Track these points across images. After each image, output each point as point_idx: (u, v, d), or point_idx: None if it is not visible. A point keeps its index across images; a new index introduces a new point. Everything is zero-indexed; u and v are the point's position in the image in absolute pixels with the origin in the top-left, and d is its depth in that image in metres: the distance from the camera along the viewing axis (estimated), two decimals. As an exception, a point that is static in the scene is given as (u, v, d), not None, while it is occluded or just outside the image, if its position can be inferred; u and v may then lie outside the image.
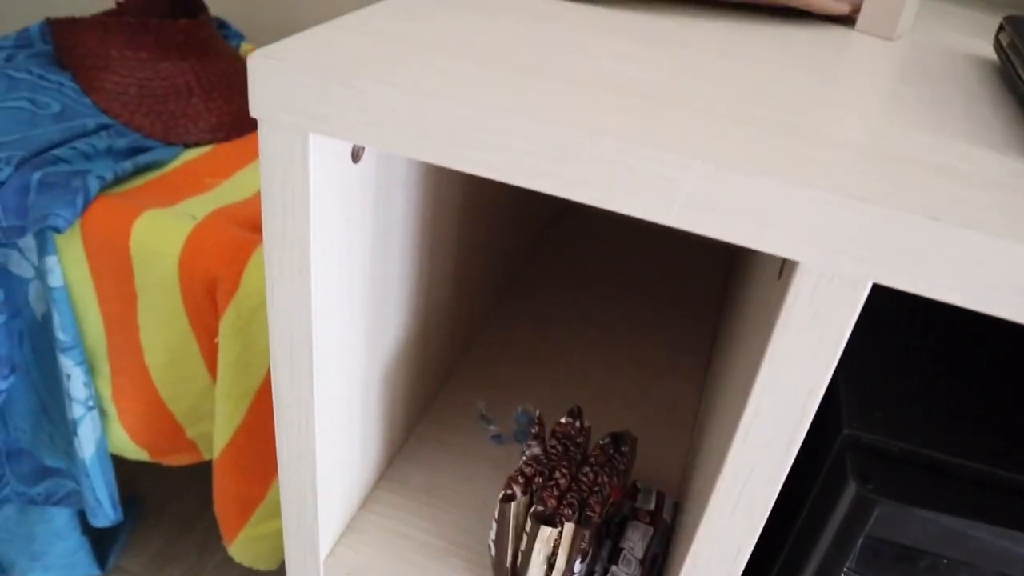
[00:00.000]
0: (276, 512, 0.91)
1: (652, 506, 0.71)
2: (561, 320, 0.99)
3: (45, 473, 1.07)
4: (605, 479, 0.63)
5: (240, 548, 0.93)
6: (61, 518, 1.15)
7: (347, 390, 0.60)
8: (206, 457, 1.00)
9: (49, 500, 1.09)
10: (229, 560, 1.28)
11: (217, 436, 0.87)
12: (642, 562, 0.65)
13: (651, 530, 0.69)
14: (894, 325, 0.62)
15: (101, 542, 1.23)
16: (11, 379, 0.95)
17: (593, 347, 0.95)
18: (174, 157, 1.02)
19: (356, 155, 0.51)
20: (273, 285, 0.51)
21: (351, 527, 0.69)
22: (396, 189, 0.59)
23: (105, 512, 0.99)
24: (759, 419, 0.46)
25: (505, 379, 0.88)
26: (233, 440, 0.86)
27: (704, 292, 1.09)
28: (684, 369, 0.94)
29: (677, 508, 0.71)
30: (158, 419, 0.93)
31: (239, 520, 0.90)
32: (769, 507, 0.49)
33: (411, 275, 0.68)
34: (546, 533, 0.59)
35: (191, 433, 0.96)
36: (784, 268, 0.46)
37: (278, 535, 0.93)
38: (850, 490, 0.50)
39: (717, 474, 0.49)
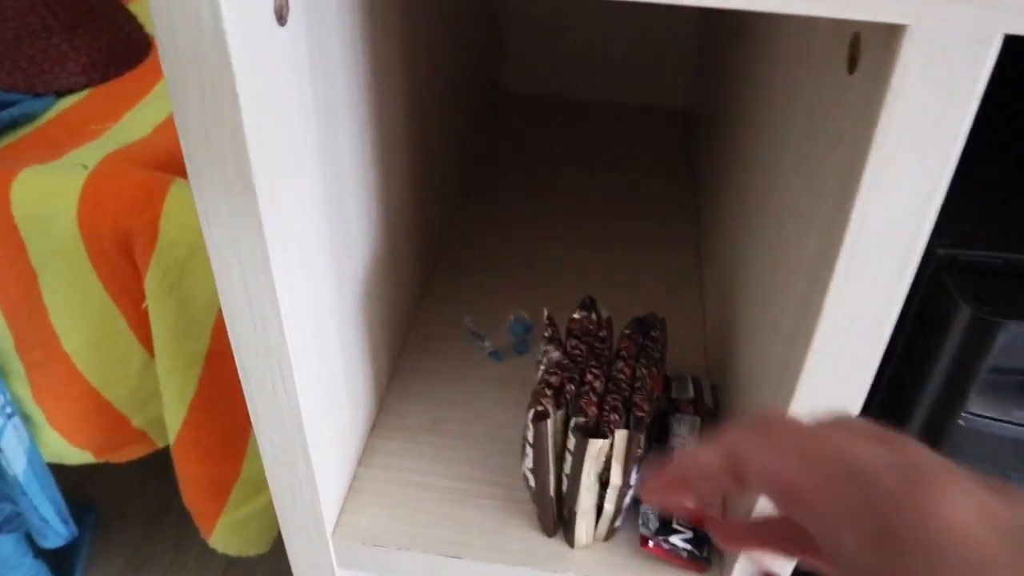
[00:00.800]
0: (257, 487, 0.80)
1: (691, 394, 0.62)
2: (526, 215, 0.88)
3: (-23, 499, 0.93)
4: (644, 371, 0.54)
5: (222, 537, 0.82)
6: (7, 545, 1.01)
7: (320, 326, 0.49)
8: (160, 445, 0.88)
9: (-12, 529, 0.95)
10: (209, 551, 1.17)
11: (169, 417, 0.74)
12: None
13: (697, 419, 0.60)
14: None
15: (61, 561, 1.10)
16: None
17: (567, 235, 0.85)
18: (47, 109, 0.86)
19: (281, 13, 0.38)
20: (208, 214, 0.39)
21: (354, 488, 0.59)
22: (334, 58, 0.47)
23: (55, 531, 0.86)
24: (859, 252, 0.37)
25: (485, 288, 0.78)
26: (189, 418, 0.74)
27: (666, 157, 0.99)
28: (673, 239, 0.85)
29: (716, 390, 0.63)
30: (95, 412, 0.80)
31: (215, 506, 0.79)
32: (878, 358, 0.40)
33: (367, 172, 0.56)
34: (595, 447, 0.49)
35: (138, 421, 0.83)
36: (859, 52, 0.36)
37: (265, 512, 0.82)
38: (963, 315, 0.41)
39: (804, 336, 0.40)
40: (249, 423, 0.77)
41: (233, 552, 0.85)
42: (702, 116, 0.96)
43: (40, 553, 1.06)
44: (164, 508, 1.23)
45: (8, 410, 0.80)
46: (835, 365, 0.40)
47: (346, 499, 0.58)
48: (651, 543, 0.54)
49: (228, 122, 0.35)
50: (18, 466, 0.81)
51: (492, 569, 0.54)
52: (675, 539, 0.54)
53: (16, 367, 0.79)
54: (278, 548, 1.16)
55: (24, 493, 0.83)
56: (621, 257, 0.82)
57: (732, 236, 0.66)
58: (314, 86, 0.44)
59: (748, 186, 0.61)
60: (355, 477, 0.59)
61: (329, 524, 0.55)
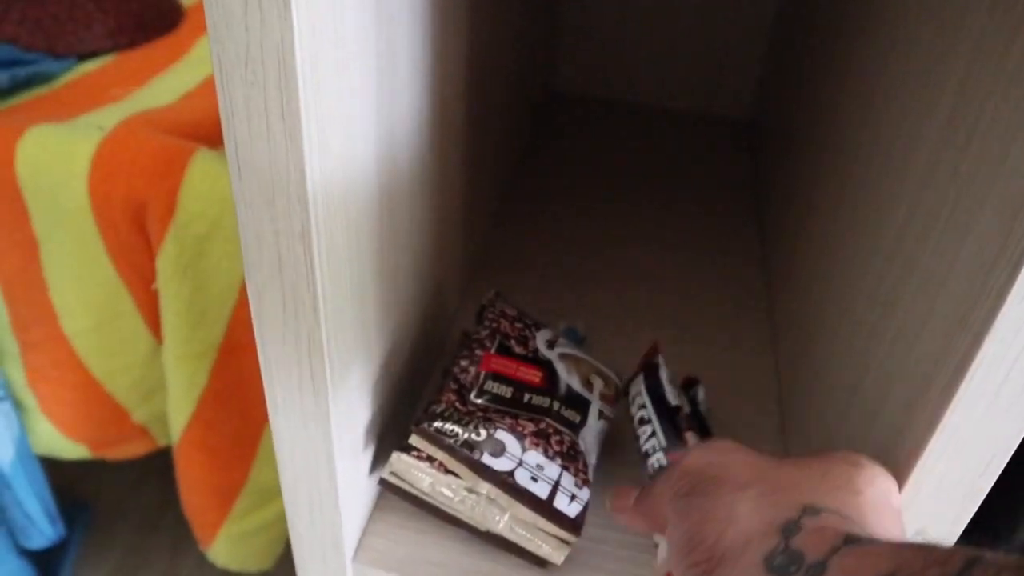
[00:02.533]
0: (265, 498, 0.72)
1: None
2: (574, 218, 0.80)
3: (-40, 491, 0.86)
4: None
5: (223, 549, 0.75)
6: (-8, 540, 0.94)
7: (358, 318, 0.41)
8: (161, 443, 0.81)
9: (-28, 523, 0.88)
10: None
11: (174, 413, 0.67)
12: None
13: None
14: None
15: (47, 562, 1.03)
16: None
17: (618, 243, 0.77)
18: (65, 71, 0.79)
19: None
20: (241, 165, 0.32)
21: (379, 507, 0.51)
22: (398, 32, 0.40)
23: (40, 530, 0.79)
24: None
25: (528, 289, 0.70)
26: (196, 415, 0.66)
27: (726, 168, 0.92)
28: (734, 253, 0.77)
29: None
30: (94, 403, 0.73)
31: (217, 515, 0.71)
32: None
33: (422, 156, 0.49)
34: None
35: (138, 416, 0.76)
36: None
37: (272, 526, 0.75)
38: None
39: (964, 355, 0.32)
40: (261, 426, 0.69)
41: (234, 567, 0.77)
42: (769, 127, 0.88)
43: (26, 552, 0.99)
44: (162, 509, 1.16)
45: (1, 393, 0.73)
46: (995, 393, 0.33)
47: (370, 519, 0.50)
48: None
49: (274, 31, 0.28)
50: (5, 456, 0.74)
51: (537, 613, 0.46)
52: None
53: (10, 347, 0.72)
54: (282, 567, 1.09)
55: (8, 487, 0.75)
56: (675, 267, 0.74)
57: (813, 257, 0.58)
58: (378, 60, 0.37)
59: (837, 202, 0.53)
60: (381, 495, 0.52)
61: (349, 547, 0.47)
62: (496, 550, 0.48)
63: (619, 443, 0.54)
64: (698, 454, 0.38)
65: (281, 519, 0.75)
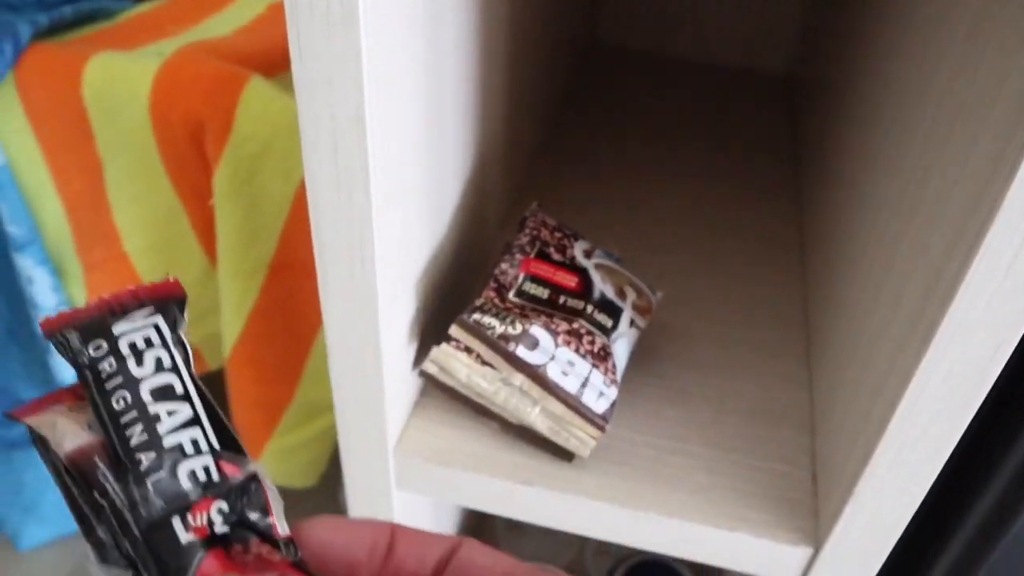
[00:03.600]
0: (311, 413, 0.76)
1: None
2: (611, 169, 0.82)
3: (23, 409, 0.91)
4: None
5: (269, 464, 0.79)
6: (50, 461, 1.00)
7: (408, 210, 0.44)
8: (212, 366, 0.85)
9: (28, 442, 0.93)
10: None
11: (226, 329, 0.71)
12: None
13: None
14: None
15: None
16: (-38, 294, 0.79)
17: (654, 194, 0.79)
18: (123, 9, 0.83)
19: None
20: (300, 30, 0.35)
21: (420, 404, 0.54)
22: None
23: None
24: None
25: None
26: (246, 331, 0.70)
27: (763, 123, 0.93)
28: (769, 209, 0.78)
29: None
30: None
31: (265, 430, 0.76)
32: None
33: (467, 82, 0.52)
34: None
35: (192, 337, 0.80)
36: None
37: (317, 441, 0.79)
38: None
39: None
40: (309, 343, 0.73)
41: (280, 482, 0.81)
42: (809, 82, 0.89)
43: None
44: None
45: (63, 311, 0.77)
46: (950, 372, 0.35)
47: (411, 414, 0.54)
48: None
49: None
50: (68, 372, 0.79)
51: (564, 499, 0.49)
52: None
53: (74, 267, 0.76)
54: (325, 487, 1.13)
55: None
56: (710, 207, 0.76)
57: (849, 203, 0.59)
58: None
59: (878, 153, 0.55)
60: (421, 393, 0.55)
61: (392, 438, 0.51)
62: (527, 444, 0.51)
63: (648, 354, 0.57)
64: None
65: (327, 435, 0.79)
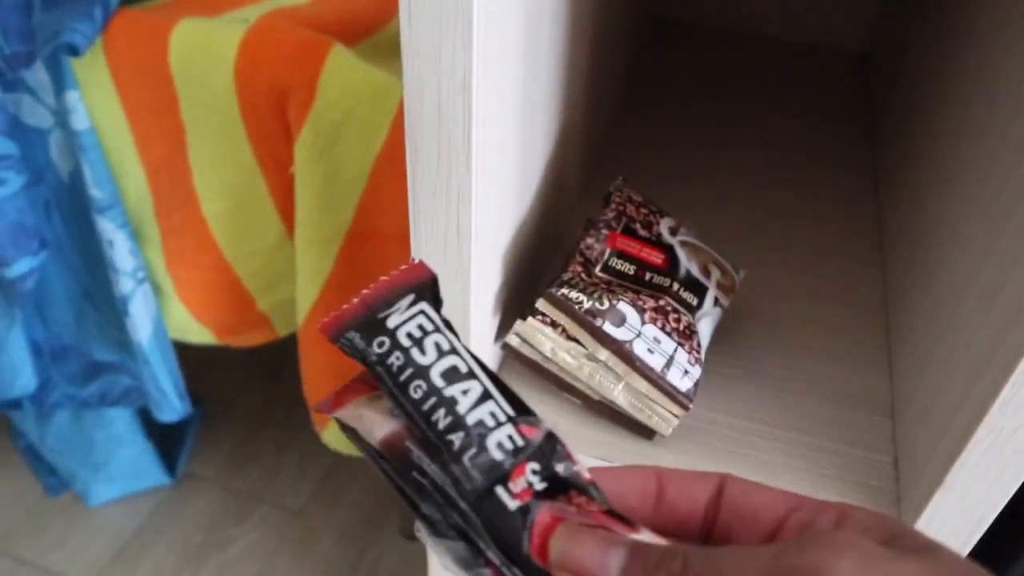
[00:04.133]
0: (378, 383, 0.77)
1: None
2: (680, 143, 0.81)
3: (97, 370, 0.94)
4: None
5: (336, 432, 0.80)
6: (121, 422, 1.03)
7: (504, 183, 0.44)
8: (281, 333, 0.86)
9: (104, 401, 0.96)
10: (309, 455, 1.17)
11: (301, 297, 0.72)
12: None
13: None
14: None
15: (167, 448, 1.11)
16: (43, 255, 0.81)
17: (724, 172, 0.78)
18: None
19: None
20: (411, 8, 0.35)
21: (502, 375, 0.54)
22: None
23: (171, 404, 0.86)
24: None
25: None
26: (320, 299, 0.71)
27: (837, 102, 0.91)
28: (843, 189, 0.77)
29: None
30: (224, 288, 0.79)
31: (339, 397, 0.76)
32: None
33: (555, 62, 0.51)
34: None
35: (263, 304, 0.81)
36: None
37: (382, 411, 0.79)
38: None
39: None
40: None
41: (344, 450, 0.83)
42: (885, 60, 0.87)
43: (151, 435, 1.07)
44: (267, 412, 1.23)
45: (140, 275, 0.79)
46: None
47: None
48: None
49: None
50: (144, 333, 0.81)
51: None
52: None
53: (152, 232, 0.78)
54: None
55: (146, 362, 0.82)
56: (786, 199, 0.75)
57: (926, 179, 0.58)
58: None
59: (957, 130, 0.53)
60: (501, 366, 0.55)
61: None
62: (607, 421, 0.51)
63: (727, 334, 0.57)
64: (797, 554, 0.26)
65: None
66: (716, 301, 0.52)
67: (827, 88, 0.93)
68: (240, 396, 1.26)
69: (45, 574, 1.04)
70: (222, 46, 0.64)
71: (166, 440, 1.13)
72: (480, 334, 0.49)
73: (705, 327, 0.51)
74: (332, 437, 0.82)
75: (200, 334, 0.85)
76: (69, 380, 0.97)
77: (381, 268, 0.72)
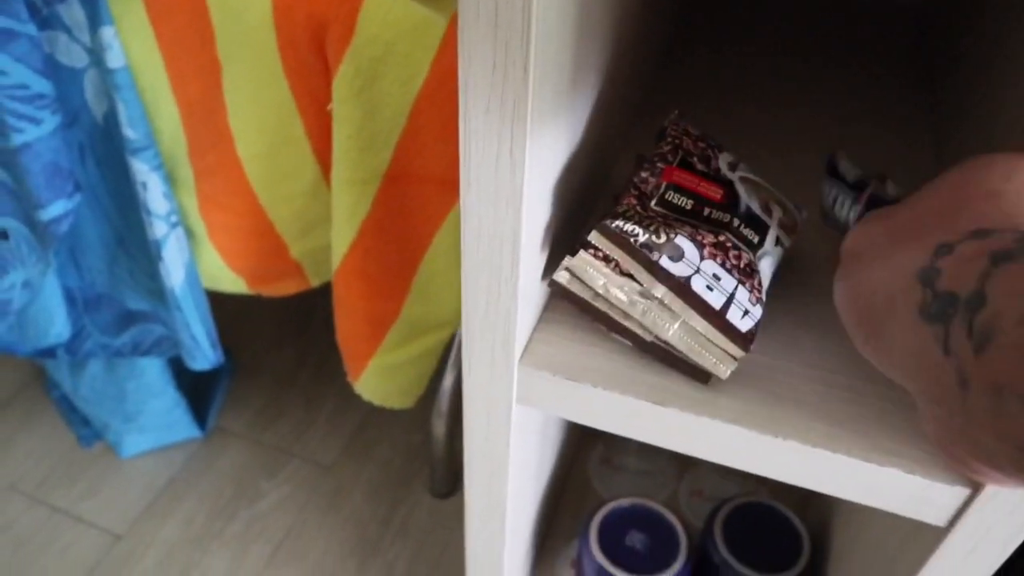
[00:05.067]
0: (415, 332, 0.75)
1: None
2: (736, 94, 0.77)
3: (129, 319, 0.93)
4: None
5: (370, 381, 0.78)
6: (153, 371, 1.02)
7: (556, 82, 0.41)
8: (313, 283, 0.84)
9: (137, 350, 0.95)
10: (341, 410, 1.16)
11: (337, 239, 0.70)
12: None
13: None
14: None
15: (197, 403, 1.10)
16: (77, 198, 0.79)
17: (782, 124, 0.74)
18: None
19: None
20: None
21: (545, 319, 0.52)
22: None
23: (204, 353, 0.84)
24: None
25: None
26: (356, 242, 0.69)
27: (895, 54, 0.86)
28: (905, 141, 0.73)
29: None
30: (257, 233, 0.77)
31: (369, 345, 0.75)
32: None
33: None
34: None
35: (296, 251, 0.79)
36: None
37: (419, 361, 0.78)
38: None
39: None
40: (417, 259, 0.72)
41: (378, 400, 0.81)
42: (945, 14, 0.83)
43: (182, 387, 1.06)
44: (297, 367, 1.22)
45: (173, 219, 0.77)
46: None
47: (535, 328, 0.51)
48: None
49: None
50: (176, 278, 0.79)
51: (699, 422, 0.46)
52: None
53: (185, 174, 0.76)
54: (418, 413, 1.13)
55: (179, 308, 0.81)
56: (842, 144, 0.71)
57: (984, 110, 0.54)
58: None
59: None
60: (546, 308, 0.53)
61: (518, 348, 0.48)
62: (660, 363, 0.48)
63: (794, 273, 0.54)
64: (849, 236, 0.39)
65: (428, 356, 0.78)
66: (778, 240, 0.49)
67: (886, 42, 0.89)
68: (270, 352, 1.24)
69: (78, 522, 1.03)
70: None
71: (196, 395, 1.12)
72: (528, 271, 0.46)
73: (766, 266, 0.48)
74: (368, 386, 0.80)
75: (232, 282, 0.84)
76: (102, 329, 0.96)
77: (420, 211, 0.70)
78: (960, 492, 0.44)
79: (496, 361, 0.49)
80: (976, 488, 0.43)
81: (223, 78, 0.68)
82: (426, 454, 1.09)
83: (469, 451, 0.55)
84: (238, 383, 1.19)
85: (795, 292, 0.54)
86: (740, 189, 0.50)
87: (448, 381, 0.93)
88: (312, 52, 0.63)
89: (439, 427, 0.96)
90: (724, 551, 0.69)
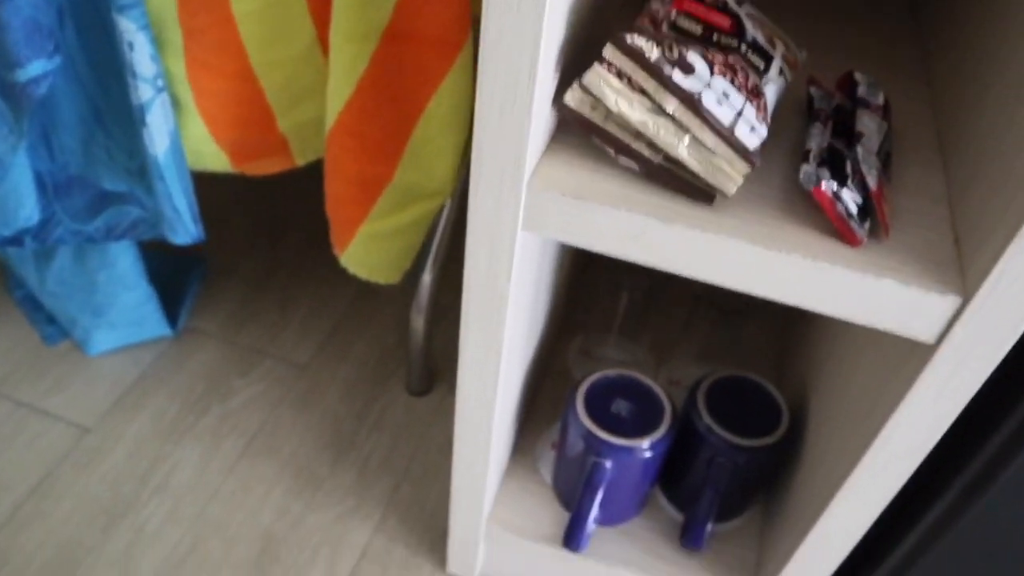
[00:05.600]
0: (406, 200, 0.75)
1: (881, 102, 0.55)
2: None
3: (104, 201, 0.91)
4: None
5: (358, 251, 0.79)
6: (125, 261, 1.00)
7: None
8: (298, 161, 0.84)
9: (111, 234, 0.94)
10: (315, 312, 1.16)
11: (332, 98, 0.70)
12: (878, 154, 0.50)
13: (885, 125, 0.53)
14: None
15: (169, 301, 1.09)
16: (57, 60, 0.77)
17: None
18: None
19: None
20: None
21: (553, 145, 0.53)
22: None
23: (185, 226, 0.84)
24: None
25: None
26: (352, 100, 0.69)
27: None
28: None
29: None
30: (246, 100, 0.76)
31: (359, 210, 0.75)
32: None
33: None
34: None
35: (284, 124, 0.79)
36: None
37: (407, 232, 0.78)
38: None
39: None
40: (413, 122, 0.72)
41: (364, 273, 0.81)
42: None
43: (154, 281, 1.05)
44: (271, 272, 1.22)
45: (160, 83, 0.76)
46: None
47: (543, 154, 0.52)
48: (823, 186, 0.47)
49: None
50: (160, 146, 0.79)
51: (704, 239, 0.48)
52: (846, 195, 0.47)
53: (174, 36, 0.75)
54: (392, 316, 1.13)
55: (162, 178, 0.80)
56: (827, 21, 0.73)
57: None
58: None
59: None
60: (553, 138, 0.54)
61: (528, 169, 0.49)
62: (665, 187, 0.50)
63: (790, 114, 0.55)
64: None
65: (417, 226, 0.78)
66: (781, 71, 0.51)
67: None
68: (244, 256, 1.23)
69: (44, 416, 1.02)
70: None
71: (168, 294, 1.10)
72: (541, 95, 0.47)
73: (771, 92, 0.50)
74: (354, 257, 0.80)
75: (216, 157, 0.83)
76: (74, 216, 0.94)
77: (417, 73, 0.70)
78: (953, 302, 0.46)
79: (504, 181, 0.50)
80: (967, 298, 0.46)
81: (219, -73, 0.67)
82: (402, 353, 1.10)
83: (468, 287, 0.56)
84: (211, 285, 1.18)
85: (784, 133, 0.56)
86: (747, 22, 0.51)
87: (428, 277, 0.93)
88: None
89: (417, 322, 0.97)
90: (707, 417, 0.72)
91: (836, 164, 0.49)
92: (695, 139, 0.47)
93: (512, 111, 0.46)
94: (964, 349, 0.47)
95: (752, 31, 0.51)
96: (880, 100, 0.55)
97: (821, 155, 0.50)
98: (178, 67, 0.76)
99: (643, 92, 0.47)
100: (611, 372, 0.75)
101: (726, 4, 0.52)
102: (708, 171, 0.47)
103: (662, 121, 0.47)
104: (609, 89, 0.47)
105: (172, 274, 1.15)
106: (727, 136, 0.46)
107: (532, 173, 0.51)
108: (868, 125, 0.52)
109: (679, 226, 0.48)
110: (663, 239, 0.49)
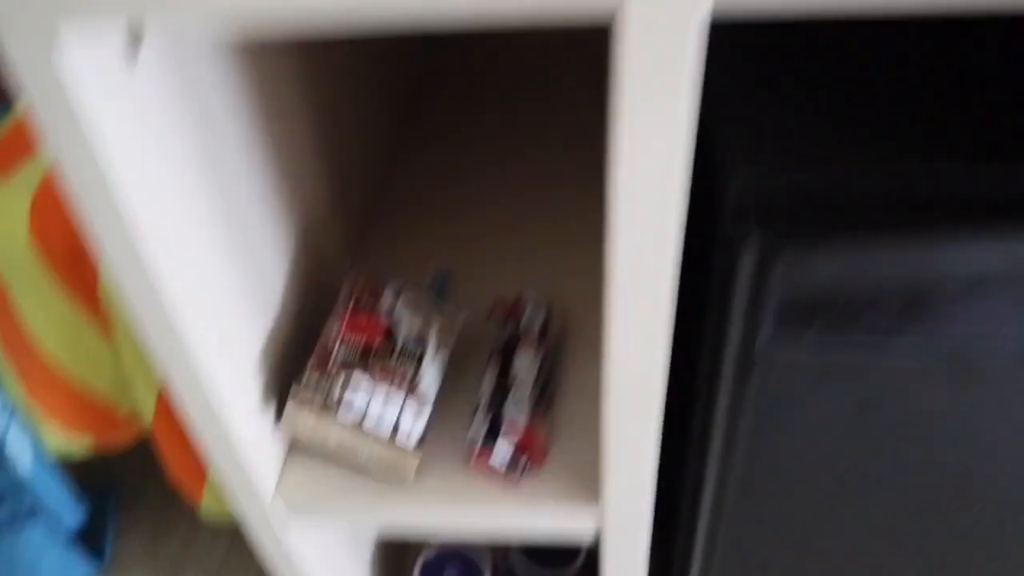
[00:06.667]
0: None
1: (538, 327, 0.70)
2: (453, 191, 0.94)
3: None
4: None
5: (212, 505, 0.93)
6: (38, 530, 1.13)
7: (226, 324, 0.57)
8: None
9: (16, 521, 1.07)
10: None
11: (142, 406, 0.84)
12: (535, 383, 0.65)
13: (542, 352, 0.68)
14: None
15: (91, 539, 1.22)
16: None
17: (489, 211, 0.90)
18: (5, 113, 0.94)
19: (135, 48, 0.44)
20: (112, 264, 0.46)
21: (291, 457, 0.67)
22: (212, 96, 0.54)
23: (70, 514, 0.97)
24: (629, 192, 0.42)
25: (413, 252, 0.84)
26: (159, 407, 0.83)
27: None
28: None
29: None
30: (86, 406, 0.91)
31: (196, 485, 0.89)
32: (670, 276, 0.46)
33: (269, 201, 0.63)
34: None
35: (123, 409, 0.93)
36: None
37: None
38: (752, 241, 0.47)
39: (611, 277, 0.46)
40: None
41: (226, 520, 0.95)
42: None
43: (70, 538, 1.18)
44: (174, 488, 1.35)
45: (10, 407, 0.90)
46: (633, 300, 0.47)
47: (287, 458, 0.67)
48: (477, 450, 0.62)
49: (90, 168, 0.42)
50: (25, 463, 0.92)
51: (416, 502, 0.62)
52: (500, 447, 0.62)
53: (10, 367, 0.89)
54: None
55: (33, 489, 0.93)
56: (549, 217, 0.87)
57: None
58: (194, 128, 0.51)
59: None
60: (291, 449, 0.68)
61: (271, 483, 0.63)
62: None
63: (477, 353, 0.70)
64: None
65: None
66: (438, 349, 0.65)
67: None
68: (151, 478, 1.37)
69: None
70: (13, 216, 0.76)
71: (88, 532, 1.23)
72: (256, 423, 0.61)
73: (430, 376, 0.64)
74: (210, 509, 0.94)
75: (80, 447, 0.97)
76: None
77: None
78: (594, 513, 0.61)
79: (250, 500, 0.64)
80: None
81: (13, 293, 0.81)
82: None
83: None
84: (125, 511, 1.32)
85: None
86: (400, 323, 0.65)
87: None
88: (77, 266, 0.77)
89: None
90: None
91: (496, 415, 0.64)
92: (368, 453, 0.61)
93: (231, 456, 0.61)
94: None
95: (406, 328, 0.65)
96: (538, 325, 0.69)
97: (487, 407, 0.64)
98: (20, 391, 0.90)
99: (322, 430, 0.61)
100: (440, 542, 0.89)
101: (384, 305, 0.66)
102: (385, 474, 0.62)
103: (338, 446, 0.61)
104: (302, 426, 0.61)
105: (90, 512, 1.28)
106: (391, 444, 0.61)
107: (278, 480, 0.65)
108: (523, 363, 0.66)
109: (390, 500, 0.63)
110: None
